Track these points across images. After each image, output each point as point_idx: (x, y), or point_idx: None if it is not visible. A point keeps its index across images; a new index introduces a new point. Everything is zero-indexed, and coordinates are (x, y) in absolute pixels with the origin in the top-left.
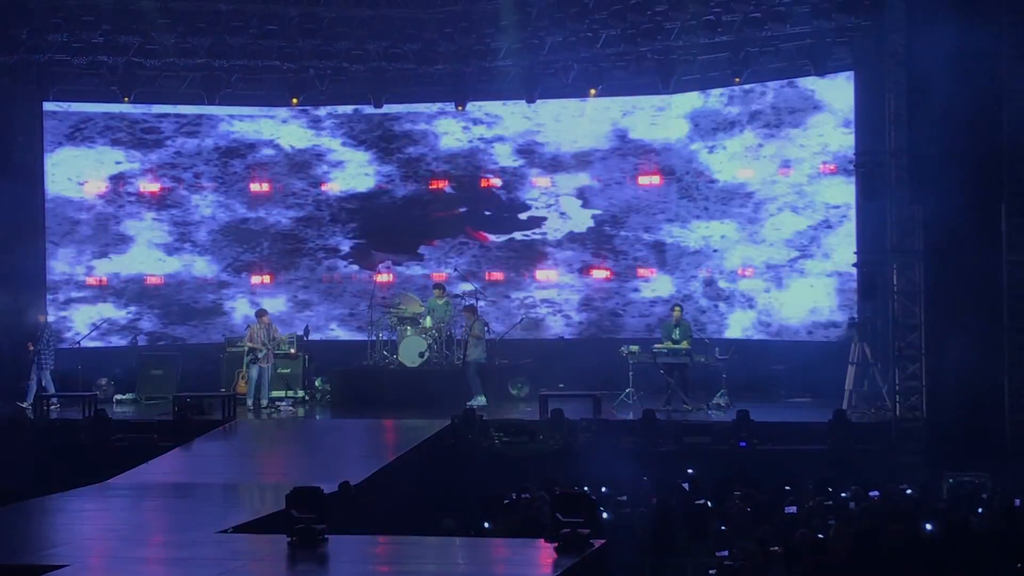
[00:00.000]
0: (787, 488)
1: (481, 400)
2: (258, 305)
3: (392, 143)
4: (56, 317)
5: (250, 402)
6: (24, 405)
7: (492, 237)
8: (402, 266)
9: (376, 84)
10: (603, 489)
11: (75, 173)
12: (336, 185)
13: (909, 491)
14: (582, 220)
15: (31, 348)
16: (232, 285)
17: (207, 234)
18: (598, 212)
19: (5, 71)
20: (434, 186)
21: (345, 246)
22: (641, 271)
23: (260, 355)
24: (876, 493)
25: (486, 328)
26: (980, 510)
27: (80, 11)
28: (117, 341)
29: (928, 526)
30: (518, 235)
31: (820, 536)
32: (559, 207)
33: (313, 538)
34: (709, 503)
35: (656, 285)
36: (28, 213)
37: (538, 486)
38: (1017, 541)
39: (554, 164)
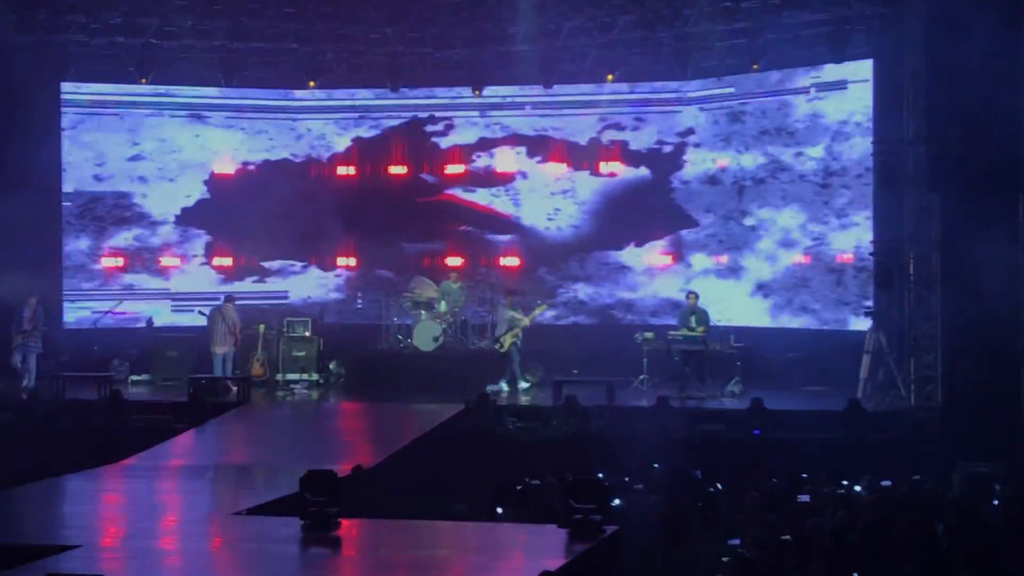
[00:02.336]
0: (804, 476)
1: (522, 384)
2: None
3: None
4: (73, 299)
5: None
6: (31, 385)
7: None
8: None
9: (393, 68)
10: (615, 476)
11: (93, 154)
12: None
13: (921, 479)
14: None
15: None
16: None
17: None
18: None
19: (24, 51)
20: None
21: None
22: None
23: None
24: (888, 482)
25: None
26: (995, 501)
27: None
28: (133, 322)
29: (940, 527)
30: None
31: (832, 525)
32: None
33: (326, 521)
34: (721, 491)
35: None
36: (45, 194)
37: (551, 472)
38: None
39: None
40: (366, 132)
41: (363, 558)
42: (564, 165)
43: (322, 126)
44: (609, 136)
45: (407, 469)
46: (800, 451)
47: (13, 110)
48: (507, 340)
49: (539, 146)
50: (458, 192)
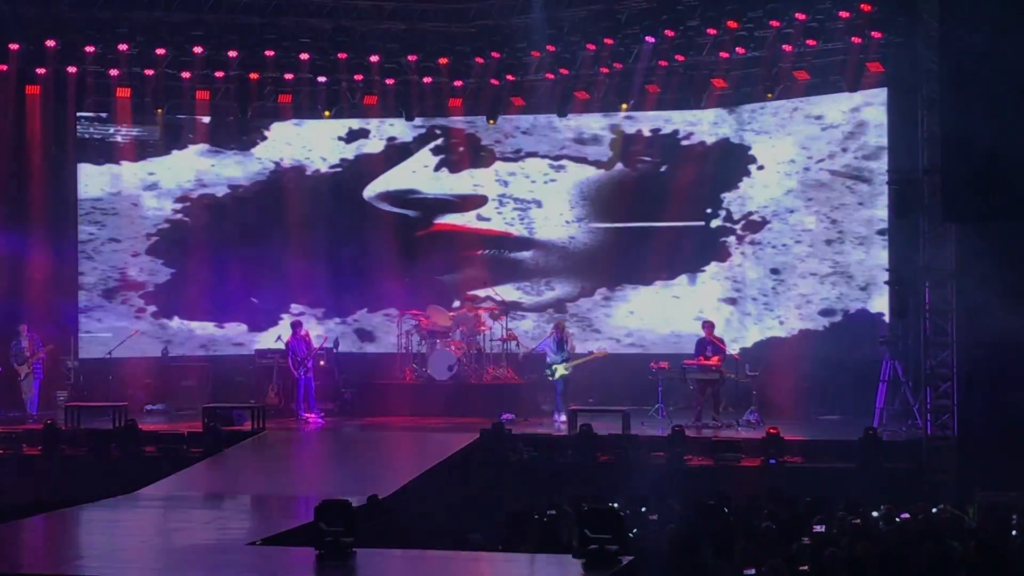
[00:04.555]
0: (818, 506)
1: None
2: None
3: None
4: (89, 326)
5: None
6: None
7: None
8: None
9: (408, 97)
10: (631, 505)
11: (108, 182)
12: None
13: (938, 509)
14: None
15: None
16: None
17: None
18: None
19: (39, 82)
20: None
21: None
22: None
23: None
24: (907, 515)
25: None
26: (1013, 532)
27: (113, 23)
28: (148, 351)
29: (955, 544)
30: None
31: (848, 555)
32: None
33: (341, 551)
34: (737, 520)
35: None
36: (61, 223)
37: (566, 501)
38: None
39: None
40: (382, 158)
41: None
42: (579, 192)
43: (336, 155)
44: (625, 162)
45: (422, 499)
46: (816, 480)
47: (29, 142)
48: (559, 371)
49: (554, 173)
50: (472, 220)
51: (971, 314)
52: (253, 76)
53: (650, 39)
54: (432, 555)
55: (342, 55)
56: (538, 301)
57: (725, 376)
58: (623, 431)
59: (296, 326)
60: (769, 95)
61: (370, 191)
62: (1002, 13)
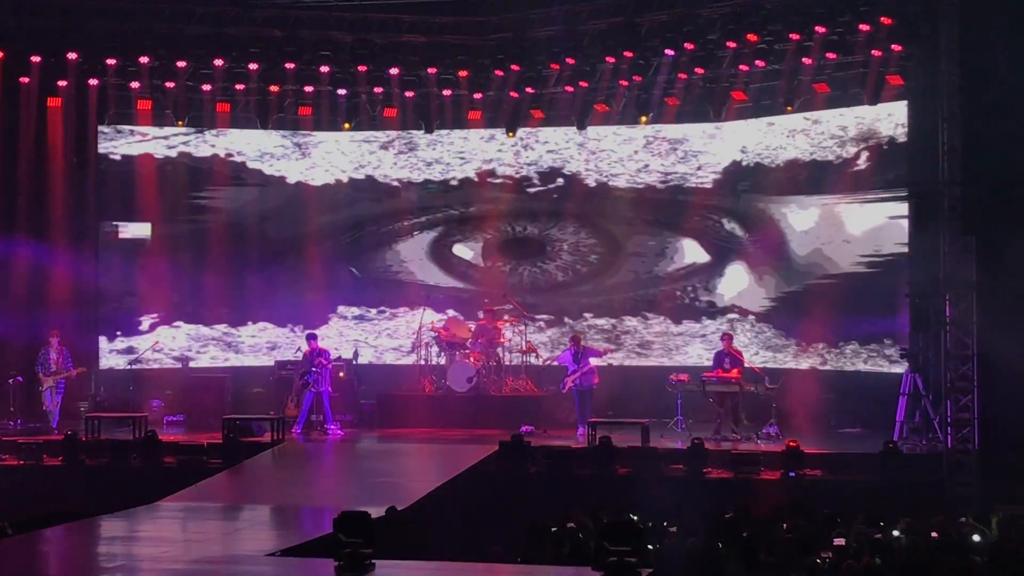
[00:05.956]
0: (837, 520)
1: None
2: None
3: None
4: (109, 338)
5: (298, 429)
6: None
7: None
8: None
9: (428, 110)
10: (650, 518)
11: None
12: None
13: (959, 523)
14: None
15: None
16: None
17: None
18: None
19: (60, 95)
20: None
21: None
22: None
23: (310, 379)
24: (935, 534)
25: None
26: None
27: (135, 36)
28: (168, 362)
29: (977, 558)
30: None
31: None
32: None
33: (360, 563)
34: (756, 533)
35: None
36: (82, 234)
37: (585, 514)
38: None
39: None
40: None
41: None
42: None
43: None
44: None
45: (441, 510)
46: (836, 493)
47: (50, 154)
48: (568, 383)
49: (569, 186)
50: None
51: (992, 327)
52: (273, 89)
53: (670, 52)
54: (451, 567)
55: (362, 68)
56: (558, 312)
57: (744, 389)
58: (642, 443)
59: (308, 339)
60: (789, 108)
61: None
62: (1023, 26)
